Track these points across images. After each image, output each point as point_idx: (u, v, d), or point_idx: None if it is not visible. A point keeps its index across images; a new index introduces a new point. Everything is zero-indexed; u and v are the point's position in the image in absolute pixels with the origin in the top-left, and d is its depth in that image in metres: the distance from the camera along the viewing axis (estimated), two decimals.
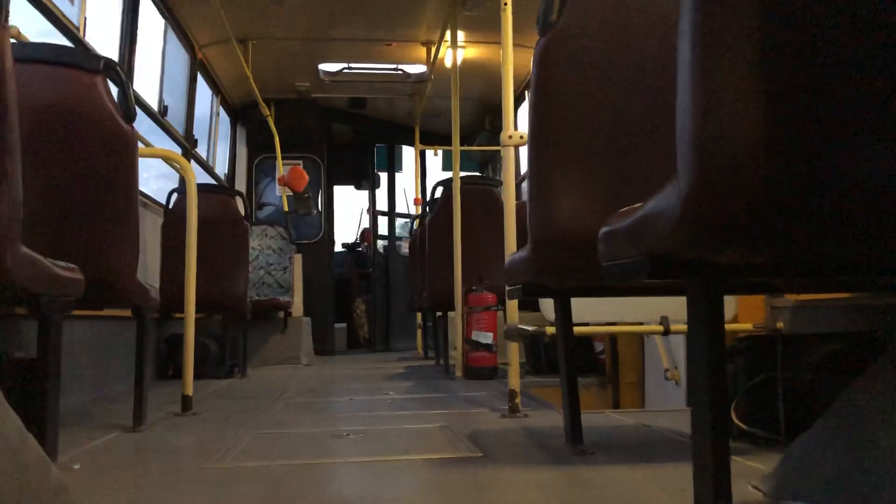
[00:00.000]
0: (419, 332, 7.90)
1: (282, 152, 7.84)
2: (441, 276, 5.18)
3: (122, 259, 2.61)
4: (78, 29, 3.91)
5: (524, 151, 3.74)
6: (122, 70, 2.73)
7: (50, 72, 2.57)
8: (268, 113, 7.63)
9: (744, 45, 1.03)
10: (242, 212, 5.46)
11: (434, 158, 9.50)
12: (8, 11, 2.79)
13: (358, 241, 10.20)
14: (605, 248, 1.40)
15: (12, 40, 3.22)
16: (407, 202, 9.90)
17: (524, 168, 8.21)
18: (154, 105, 5.51)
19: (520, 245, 2.77)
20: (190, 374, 3.42)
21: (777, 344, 2.29)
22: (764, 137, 1.04)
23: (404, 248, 9.81)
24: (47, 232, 2.48)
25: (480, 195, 5.21)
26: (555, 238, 1.99)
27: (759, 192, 1.05)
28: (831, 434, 1.43)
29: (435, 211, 5.30)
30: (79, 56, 2.68)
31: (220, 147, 7.91)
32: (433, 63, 6.91)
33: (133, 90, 4.91)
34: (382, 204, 9.84)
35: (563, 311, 2.16)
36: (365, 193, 10.08)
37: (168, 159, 3.44)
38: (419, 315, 7.68)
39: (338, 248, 9.85)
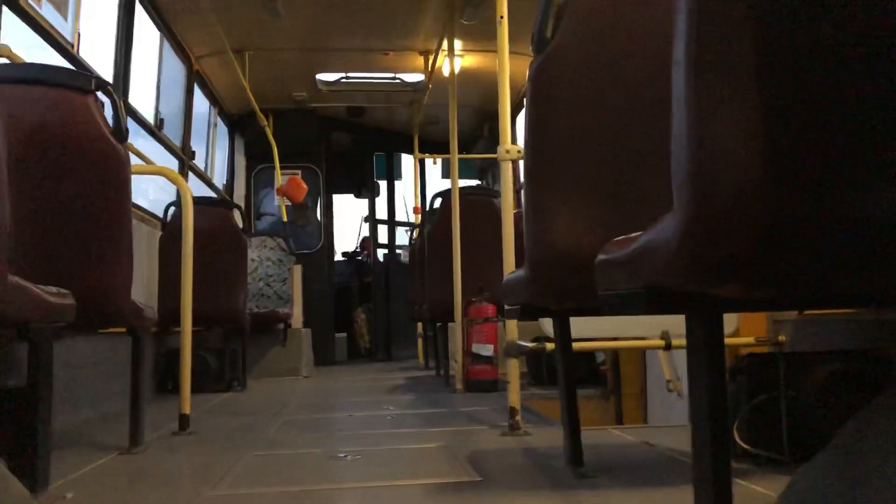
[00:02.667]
0: (420, 341, 7.87)
1: (280, 162, 7.81)
2: (441, 288, 5.14)
3: (115, 280, 2.58)
4: (72, 45, 3.89)
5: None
6: (114, 88, 2.71)
7: (41, 92, 2.54)
8: (266, 123, 7.61)
9: (741, 75, 1.00)
10: (240, 225, 5.43)
11: (434, 166, 9.47)
12: None
13: (358, 250, 10.17)
14: (601, 277, 1.37)
15: (3, 60, 3.21)
16: (407, 210, 9.88)
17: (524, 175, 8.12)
18: (150, 118, 5.48)
19: (519, 258, 2.76)
20: (187, 392, 3.38)
21: (779, 362, 2.26)
22: (763, 171, 1.00)
23: (404, 256, 9.78)
24: (38, 254, 2.45)
25: (480, 206, 5.18)
26: (551, 259, 1.96)
27: (759, 228, 1.02)
28: (838, 465, 1.40)
29: (434, 222, 5.27)
30: (69, 76, 2.65)
31: (218, 157, 7.90)
32: (431, 72, 6.89)
33: (128, 105, 4.91)
34: (382, 212, 9.82)
35: (562, 332, 2.12)
36: (364, 202, 10.05)
37: (163, 176, 3.40)
38: (420, 325, 7.64)
39: (338, 257, 9.81)
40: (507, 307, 2.31)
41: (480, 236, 5.08)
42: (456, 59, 6.47)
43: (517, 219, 3.15)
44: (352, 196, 10.27)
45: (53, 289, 2.06)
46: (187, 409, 3.37)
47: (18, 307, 1.81)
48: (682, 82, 1.05)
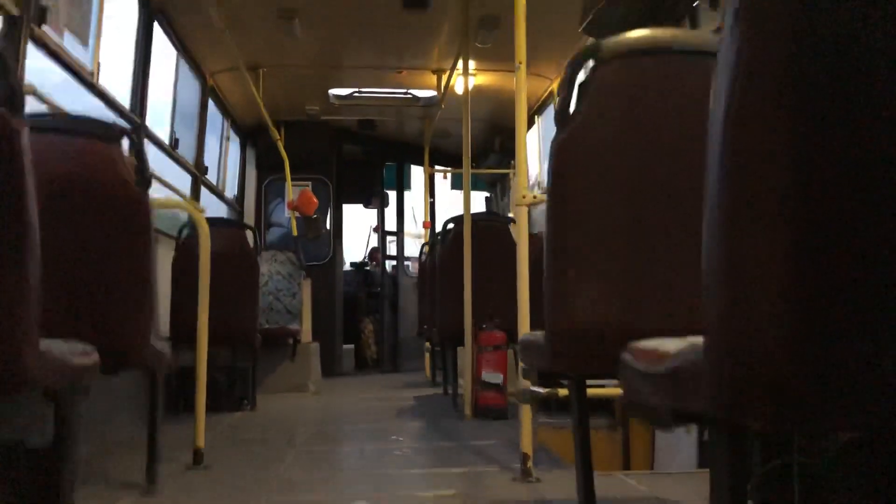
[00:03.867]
0: (427, 356, 7.90)
1: (291, 173, 7.84)
2: (451, 312, 5.16)
3: (137, 327, 2.60)
4: (92, 74, 3.92)
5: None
6: (136, 134, 2.74)
7: (65, 142, 2.57)
8: (278, 138, 7.64)
9: (775, 204, 1.01)
10: (252, 244, 5.47)
11: (444, 180, 9.50)
12: (23, 100, 2.75)
13: (366, 261, 10.20)
14: (624, 382, 1.39)
15: (29, 96, 3.24)
16: (416, 221, 9.91)
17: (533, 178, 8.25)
18: (165, 138, 5.52)
19: (534, 289, 2.79)
20: (202, 425, 3.42)
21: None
22: (795, 307, 1.02)
23: (412, 268, 9.81)
24: (60, 305, 2.48)
25: (491, 232, 5.20)
26: (572, 332, 1.98)
27: (788, 365, 1.04)
28: None
29: (446, 247, 5.30)
30: (94, 126, 2.66)
31: (229, 169, 7.93)
32: (444, 91, 6.91)
33: (146, 130, 4.95)
34: (391, 223, 9.85)
35: (579, 397, 2.14)
36: (373, 212, 10.08)
37: (184, 210, 3.44)
38: (427, 342, 7.67)
39: (346, 266, 9.85)
40: (523, 366, 2.34)
41: (491, 262, 5.10)
42: (469, 77, 6.51)
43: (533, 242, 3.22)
44: (361, 206, 10.30)
45: (79, 347, 2.08)
46: (202, 443, 3.40)
47: (48, 374, 1.84)
48: (715, 212, 1.07)
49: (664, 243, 1.97)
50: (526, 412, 3.11)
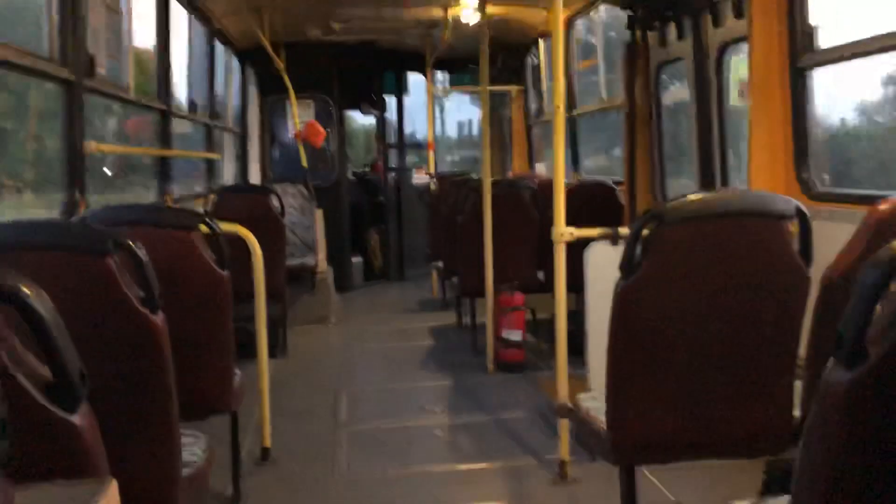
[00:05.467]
0: (434, 274, 8.23)
1: (294, 93, 7.82)
2: (471, 271, 5.48)
3: (161, 471, 2.23)
4: (127, 90, 3.99)
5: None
6: (135, 245, 2.20)
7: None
8: (282, 67, 7.58)
9: None
10: (278, 207, 5.68)
11: (441, 90, 9.50)
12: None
13: (369, 171, 10.28)
14: None
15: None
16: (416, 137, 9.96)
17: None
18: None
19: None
20: (267, 427, 3.83)
21: None
22: None
23: (415, 177, 9.99)
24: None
25: (509, 198, 5.45)
26: (629, 439, 2.34)
27: None
28: None
29: (466, 213, 5.55)
30: (82, 238, 2.18)
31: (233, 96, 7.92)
32: (449, 21, 6.85)
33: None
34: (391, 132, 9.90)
35: (629, 482, 2.52)
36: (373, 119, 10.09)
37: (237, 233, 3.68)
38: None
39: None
40: (577, 434, 2.70)
41: (509, 225, 5.39)
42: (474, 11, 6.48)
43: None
44: (359, 113, 10.27)
45: None
46: (268, 443, 3.82)
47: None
48: None
49: (715, 369, 2.30)
50: (563, 426, 3.50)
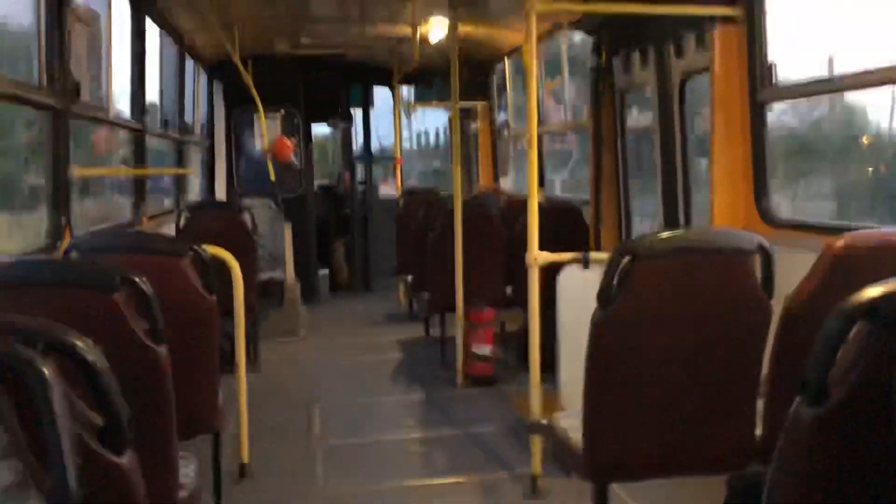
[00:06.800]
0: (401, 285, 8.32)
1: (260, 106, 7.86)
2: (442, 287, 5.61)
3: (163, 496, 2.26)
4: (106, 110, 4.04)
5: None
6: (141, 281, 2.27)
7: (71, 294, 2.29)
8: (250, 81, 7.62)
9: None
10: (250, 225, 5.74)
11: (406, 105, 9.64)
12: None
13: (335, 183, 10.32)
14: None
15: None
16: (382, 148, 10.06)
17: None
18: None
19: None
20: (245, 442, 3.90)
21: None
22: None
23: (383, 189, 10.07)
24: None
25: (477, 215, 5.59)
26: (605, 458, 2.49)
27: None
28: None
29: (436, 232, 5.67)
30: (90, 275, 2.26)
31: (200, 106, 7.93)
32: (417, 41, 6.98)
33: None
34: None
35: (601, 501, 2.66)
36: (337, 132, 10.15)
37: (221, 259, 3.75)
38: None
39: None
40: (554, 450, 2.84)
41: (477, 243, 5.53)
42: (442, 30, 6.62)
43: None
44: (325, 126, 10.33)
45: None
46: (247, 459, 3.89)
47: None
48: None
49: (686, 395, 2.45)
50: (535, 444, 3.65)
